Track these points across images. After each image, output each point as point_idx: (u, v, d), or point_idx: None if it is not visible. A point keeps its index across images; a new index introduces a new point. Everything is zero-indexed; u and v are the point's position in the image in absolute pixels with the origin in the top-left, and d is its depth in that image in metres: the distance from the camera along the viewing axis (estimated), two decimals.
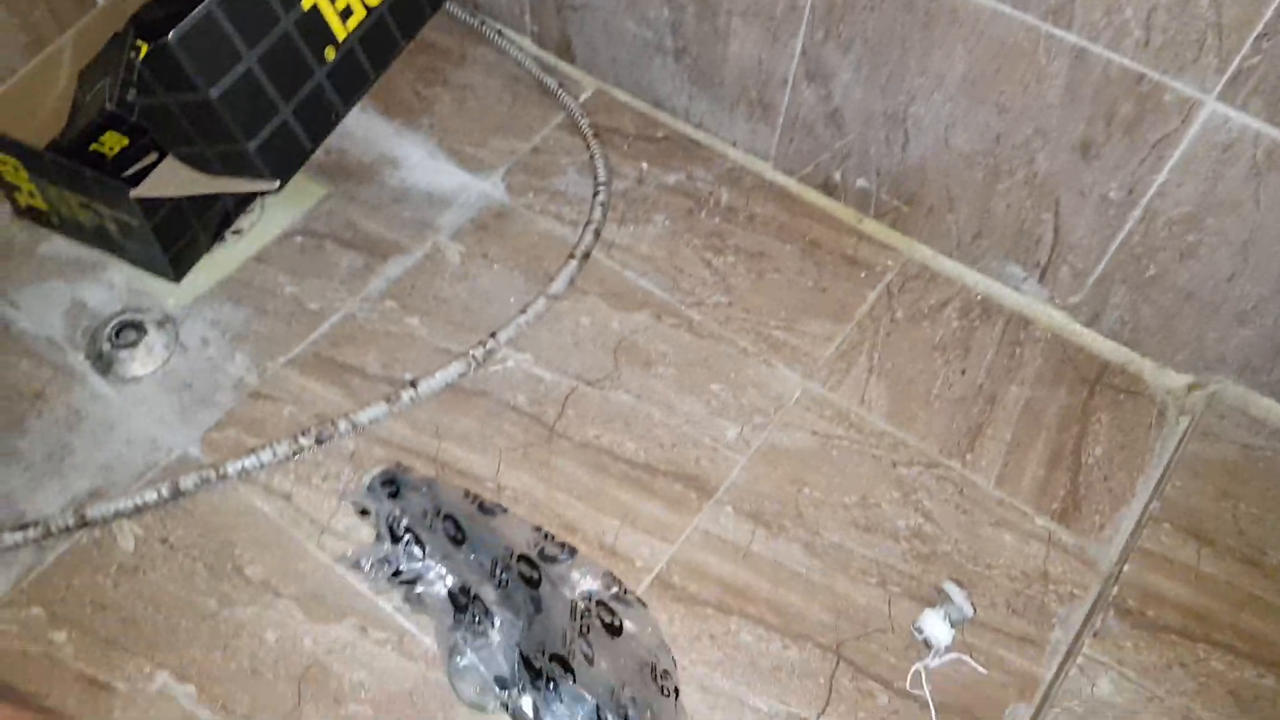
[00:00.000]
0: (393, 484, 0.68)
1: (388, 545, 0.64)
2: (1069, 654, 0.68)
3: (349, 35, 0.74)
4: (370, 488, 0.68)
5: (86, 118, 0.78)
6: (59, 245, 0.83)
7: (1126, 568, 0.69)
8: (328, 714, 0.64)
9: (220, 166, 0.67)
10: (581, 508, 0.72)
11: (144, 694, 0.64)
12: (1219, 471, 0.73)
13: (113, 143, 0.77)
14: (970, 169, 0.76)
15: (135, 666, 0.65)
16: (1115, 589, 0.69)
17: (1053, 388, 0.79)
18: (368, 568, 0.64)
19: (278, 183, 0.67)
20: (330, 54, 0.73)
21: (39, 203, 0.80)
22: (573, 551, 0.67)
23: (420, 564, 0.63)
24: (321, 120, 0.71)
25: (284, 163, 0.67)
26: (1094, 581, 0.71)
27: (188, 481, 0.71)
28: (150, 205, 0.74)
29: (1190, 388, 0.78)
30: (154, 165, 0.76)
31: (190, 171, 0.72)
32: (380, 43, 0.78)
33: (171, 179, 0.72)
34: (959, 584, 0.69)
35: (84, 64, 0.79)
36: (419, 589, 0.63)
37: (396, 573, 0.63)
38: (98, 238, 0.80)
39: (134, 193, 0.72)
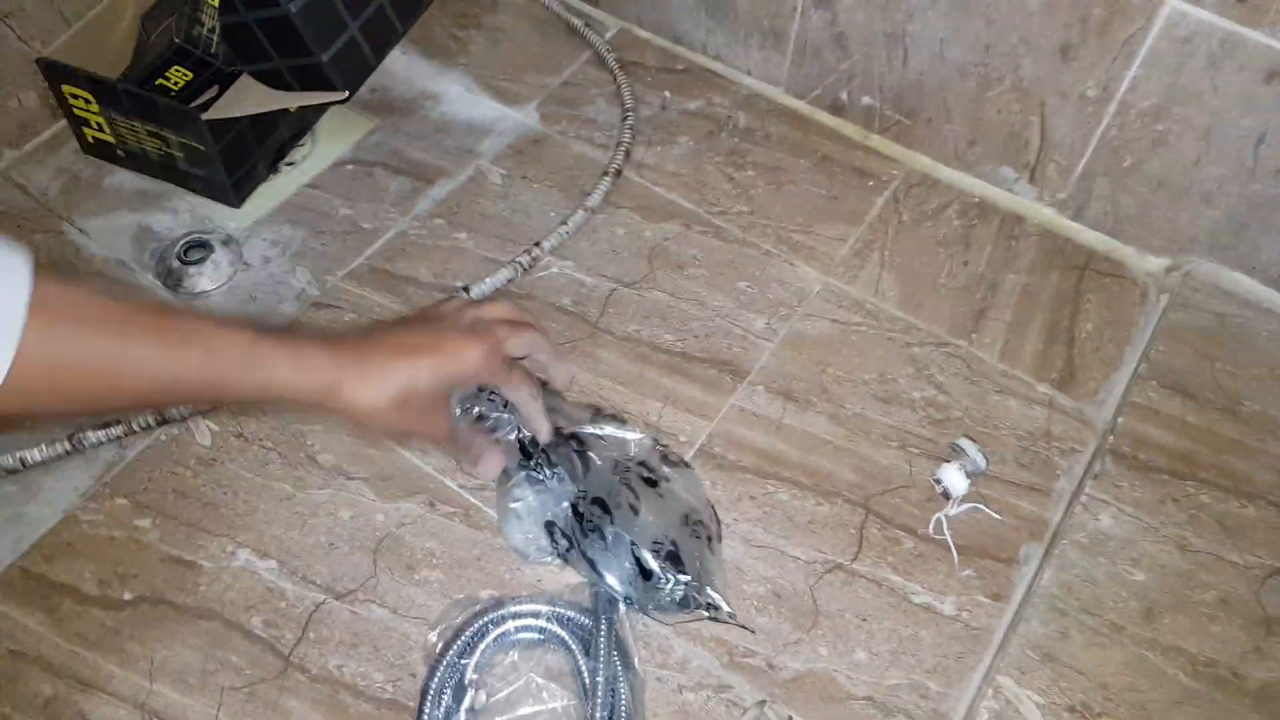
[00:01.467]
0: None
1: (473, 393, 0.70)
2: (1073, 497, 0.75)
3: None
4: None
5: (152, 54, 0.84)
6: (124, 178, 0.89)
7: (1120, 420, 0.77)
8: (402, 579, 0.70)
9: (293, 80, 0.74)
10: (626, 392, 0.79)
11: (228, 570, 0.70)
12: (1197, 337, 0.82)
13: (177, 78, 0.83)
14: (964, 79, 0.85)
15: (218, 546, 0.71)
16: (1111, 438, 0.77)
17: (1045, 274, 0.87)
18: (456, 412, 0.71)
19: (346, 93, 0.74)
20: None
21: (106, 135, 0.86)
22: (623, 422, 0.74)
23: (499, 414, 0.69)
24: (383, 38, 0.78)
25: (352, 74, 0.73)
26: (1091, 438, 0.79)
27: None
28: (217, 130, 0.81)
29: (1168, 269, 0.87)
30: (217, 98, 0.82)
31: (258, 92, 0.78)
32: None
33: (239, 101, 0.79)
34: (972, 439, 0.76)
35: (147, 7, 0.85)
36: (495, 434, 0.70)
37: (480, 418, 0.69)
38: (163, 167, 0.86)
39: (206, 115, 0.78)
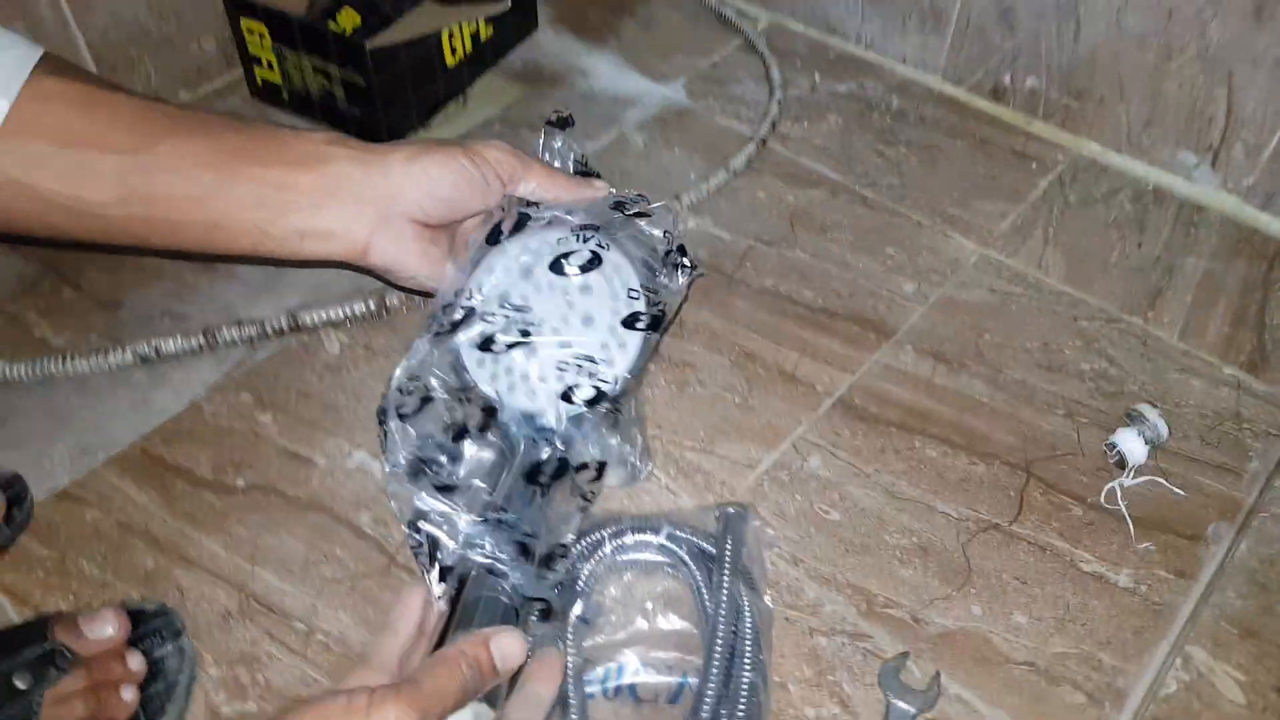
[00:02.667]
0: None
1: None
2: (1270, 477, 0.65)
3: None
4: None
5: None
6: (286, 122, 0.93)
7: None
8: None
9: None
10: (760, 340, 0.74)
11: (342, 468, 0.67)
12: None
13: (346, 21, 0.87)
14: (1142, 51, 0.80)
15: (334, 445, 0.68)
16: None
17: (1230, 261, 0.79)
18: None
19: (509, 1, 0.75)
20: None
21: (274, 75, 0.90)
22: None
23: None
24: None
25: None
26: None
27: (393, 298, 0.76)
28: (379, 63, 0.83)
29: None
30: None
31: (426, 15, 0.81)
32: None
33: (404, 30, 0.82)
34: (1153, 404, 0.68)
35: None
36: None
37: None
38: (323, 108, 0.90)
39: (371, 43, 0.82)
